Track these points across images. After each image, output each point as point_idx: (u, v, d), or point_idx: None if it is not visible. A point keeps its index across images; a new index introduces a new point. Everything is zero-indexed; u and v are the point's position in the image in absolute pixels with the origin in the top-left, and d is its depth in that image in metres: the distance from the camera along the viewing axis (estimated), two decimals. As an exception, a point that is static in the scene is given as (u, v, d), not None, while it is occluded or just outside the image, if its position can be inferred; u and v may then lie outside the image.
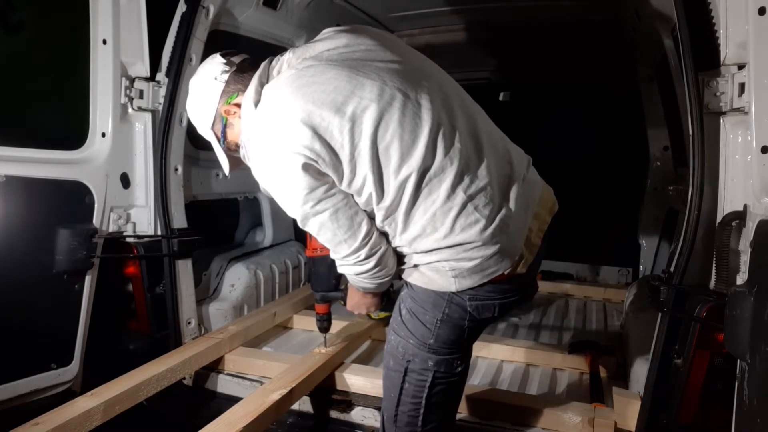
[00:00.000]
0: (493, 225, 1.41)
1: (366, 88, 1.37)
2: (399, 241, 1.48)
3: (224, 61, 1.58)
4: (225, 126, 1.59)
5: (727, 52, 1.63)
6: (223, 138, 1.61)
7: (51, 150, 2.14)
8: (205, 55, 2.50)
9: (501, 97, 4.64)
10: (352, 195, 1.44)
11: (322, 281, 2.22)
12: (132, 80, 2.35)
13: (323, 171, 1.38)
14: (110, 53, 2.26)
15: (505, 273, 1.47)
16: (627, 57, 3.47)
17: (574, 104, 4.42)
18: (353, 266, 1.51)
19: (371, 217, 1.47)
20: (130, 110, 2.38)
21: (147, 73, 2.39)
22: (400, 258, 1.54)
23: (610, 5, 3.08)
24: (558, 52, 3.96)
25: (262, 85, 1.49)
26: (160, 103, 2.42)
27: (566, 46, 3.81)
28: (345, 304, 1.92)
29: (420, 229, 1.42)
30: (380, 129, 1.36)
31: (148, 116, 2.42)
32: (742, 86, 1.60)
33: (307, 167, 1.36)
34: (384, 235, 1.49)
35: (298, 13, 3.13)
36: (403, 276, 1.58)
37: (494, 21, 3.59)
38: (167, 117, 2.41)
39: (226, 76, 1.55)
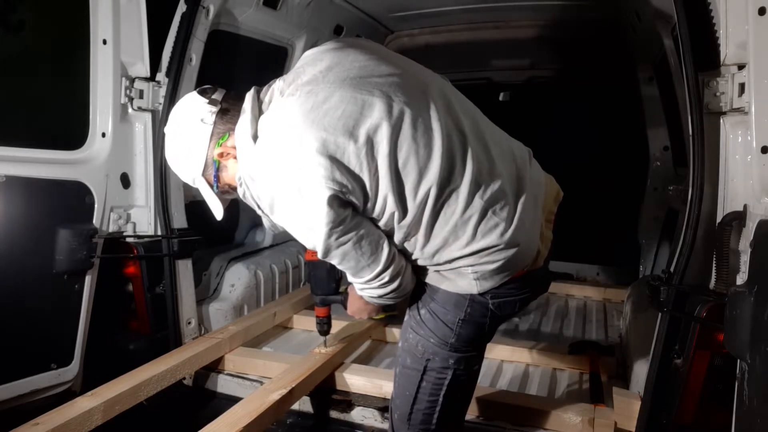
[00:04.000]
0: (513, 226, 1.40)
1: (375, 107, 1.31)
2: (420, 254, 1.45)
3: (206, 100, 1.47)
4: (218, 170, 1.50)
5: (727, 52, 1.63)
6: (216, 182, 1.52)
7: (51, 150, 2.14)
8: (206, 55, 2.51)
9: (501, 97, 4.64)
10: (372, 218, 1.40)
11: (322, 285, 2.22)
12: (132, 80, 2.35)
13: (346, 200, 1.32)
14: (110, 53, 2.26)
15: (525, 269, 1.48)
16: (627, 57, 3.47)
17: (573, 104, 4.42)
18: (377, 289, 1.47)
19: (389, 236, 1.43)
20: (130, 110, 2.38)
21: (147, 73, 2.38)
22: (422, 269, 1.51)
23: (610, 5, 3.08)
24: (558, 52, 3.95)
25: (255, 118, 1.40)
26: (160, 103, 2.42)
27: (566, 46, 3.81)
28: (345, 308, 1.92)
29: (442, 241, 1.40)
30: (396, 147, 1.31)
31: (148, 116, 2.42)
32: (742, 86, 1.60)
33: (332, 200, 1.28)
34: (404, 251, 1.46)
35: (298, 13, 3.13)
36: (425, 280, 1.55)
37: (494, 21, 3.59)
38: (167, 117, 2.40)
39: (213, 117, 1.45)
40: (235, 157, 1.46)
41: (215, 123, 1.46)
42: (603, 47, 3.65)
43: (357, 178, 1.30)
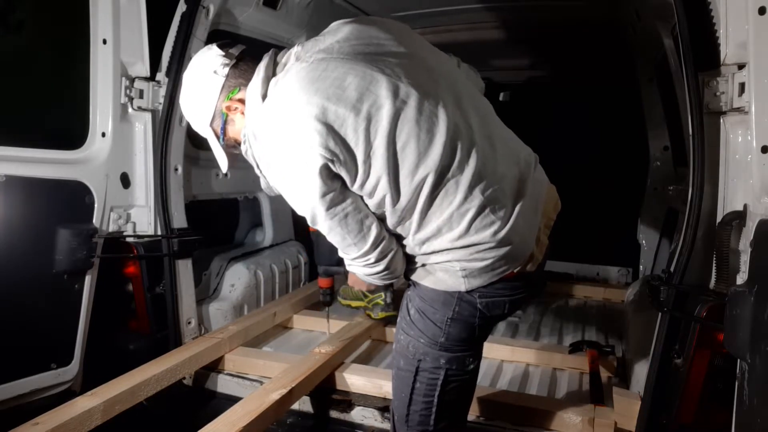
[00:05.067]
0: (507, 226, 1.40)
1: (381, 85, 1.33)
2: (411, 241, 1.45)
3: (223, 53, 1.50)
4: (225, 122, 1.53)
5: (727, 52, 1.63)
6: (222, 135, 1.55)
7: (51, 150, 2.14)
8: (205, 55, 2.51)
9: (501, 97, 4.64)
10: (362, 197, 1.41)
11: (325, 256, 2.23)
12: (132, 80, 2.35)
13: (336, 171, 1.34)
14: (110, 53, 2.26)
15: (515, 271, 1.47)
16: (627, 57, 3.47)
17: (573, 104, 4.42)
18: (362, 268, 1.49)
19: (381, 219, 1.44)
20: (130, 110, 2.38)
21: (147, 73, 2.39)
22: (410, 258, 1.52)
23: (610, 5, 3.08)
24: (558, 52, 3.95)
25: (268, 78, 1.43)
26: (160, 103, 2.42)
27: (566, 46, 3.81)
28: (347, 278, 1.93)
29: (435, 229, 1.40)
30: (396, 128, 1.32)
31: (148, 116, 2.42)
32: (742, 86, 1.59)
33: (322, 169, 1.31)
34: (396, 236, 1.47)
35: (298, 13, 3.13)
36: (412, 277, 1.55)
37: (494, 21, 3.59)
38: (167, 117, 2.41)
39: (226, 70, 1.48)
40: (242, 113, 1.49)
41: (227, 76, 1.48)
42: (603, 47, 3.65)
43: (351, 152, 1.32)
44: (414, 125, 1.33)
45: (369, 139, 1.32)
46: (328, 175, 1.33)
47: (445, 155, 1.34)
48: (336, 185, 1.36)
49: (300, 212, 1.43)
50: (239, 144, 1.52)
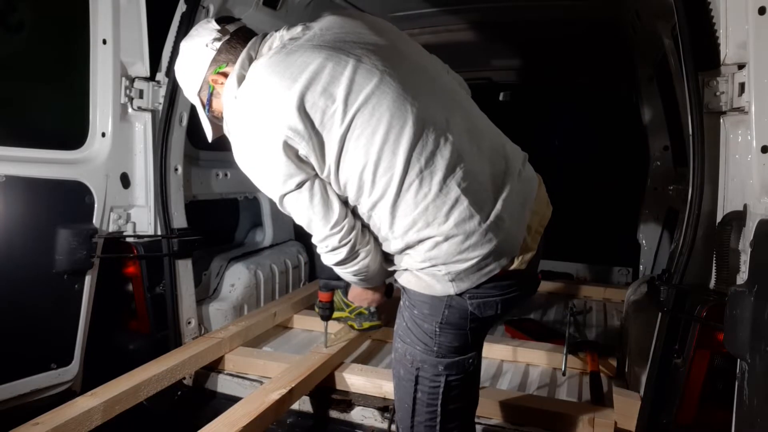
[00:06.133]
0: (488, 221, 1.37)
1: (358, 73, 1.34)
2: (388, 234, 1.42)
3: (218, 28, 1.54)
4: (211, 94, 1.57)
5: (727, 51, 1.62)
6: (208, 105, 1.59)
7: (51, 150, 2.14)
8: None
9: (501, 97, 4.65)
10: (330, 183, 1.41)
11: (326, 268, 2.21)
12: (132, 80, 2.35)
13: (302, 154, 1.35)
14: (110, 53, 2.26)
15: (504, 270, 1.43)
16: (627, 57, 3.47)
17: (574, 104, 4.43)
18: (325, 255, 1.48)
19: (349, 207, 1.44)
20: (130, 110, 2.38)
21: (147, 73, 2.39)
22: (389, 256, 1.50)
23: (610, 5, 3.08)
24: (558, 52, 3.96)
25: (250, 60, 1.47)
26: (160, 103, 2.42)
27: (566, 46, 3.81)
28: (346, 294, 1.90)
29: (411, 222, 1.37)
30: (366, 114, 1.33)
31: (148, 116, 2.42)
32: (742, 86, 1.59)
33: (287, 148, 1.34)
34: (368, 227, 1.45)
35: (298, 13, 3.13)
36: (400, 281, 1.53)
37: (494, 21, 3.59)
38: (167, 117, 2.41)
39: (218, 45, 1.52)
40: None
41: (218, 51, 1.53)
42: (603, 47, 3.66)
43: (320, 136, 1.34)
44: (385, 111, 1.33)
45: (338, 125, 1.33)
46: (294, 154, 1.35)
47: (416, 145, 1.34)
48: (301, 166, 1.37)
49: (267, 194, 1.45)
50: (221, 119, 1.56)
